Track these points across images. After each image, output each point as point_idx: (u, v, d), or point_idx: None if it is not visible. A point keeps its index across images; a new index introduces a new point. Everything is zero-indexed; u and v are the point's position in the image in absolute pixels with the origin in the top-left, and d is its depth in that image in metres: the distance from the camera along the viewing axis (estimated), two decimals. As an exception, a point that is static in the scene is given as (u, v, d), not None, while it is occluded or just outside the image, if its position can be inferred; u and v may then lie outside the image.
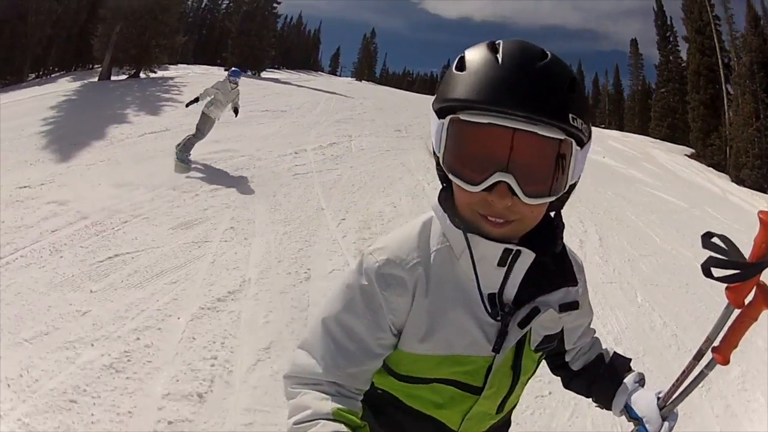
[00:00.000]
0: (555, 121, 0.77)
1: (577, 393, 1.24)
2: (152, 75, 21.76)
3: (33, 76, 30.30)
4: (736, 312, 0.97)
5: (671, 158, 21.69)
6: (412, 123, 13.49)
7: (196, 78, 20.29)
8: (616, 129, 38.53)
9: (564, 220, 0.99)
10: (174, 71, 23.46)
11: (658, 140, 32.12)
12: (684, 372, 1.03)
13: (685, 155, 26.58)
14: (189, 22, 39.02)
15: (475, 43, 0.86)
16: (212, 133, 8.36)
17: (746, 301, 0.94)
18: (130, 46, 21.02)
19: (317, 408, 0.86)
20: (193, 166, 7.26)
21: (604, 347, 1.24)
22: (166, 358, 3.20)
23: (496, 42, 0.83)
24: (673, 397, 1.04)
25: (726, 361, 0.98)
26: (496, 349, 0.94)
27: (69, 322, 3.44)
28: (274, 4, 34.30)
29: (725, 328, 0.99)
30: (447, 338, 0.93)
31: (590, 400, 1.22)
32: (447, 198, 0.92)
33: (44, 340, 3.24)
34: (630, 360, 1.19)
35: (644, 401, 1.07)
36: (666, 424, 1.03)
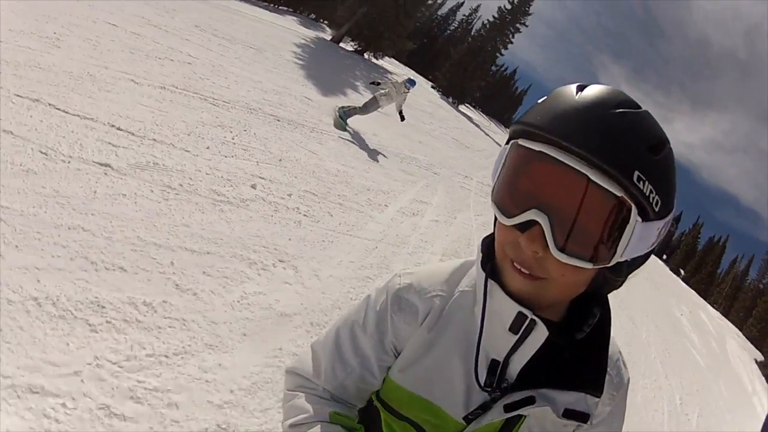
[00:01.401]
0: (614, 170, 0.74)
1: None
2: (374, 60, 27.87)
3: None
4: None
5: (738, 351, 23.51)
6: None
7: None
8: (722, 312, 41.24)
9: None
10: (390, 65, 29.43)
11: (742, 336, 34.45)
12: None
13: (755, 359, 27.80)
14: (416, 26, 46.35)
15: None
16: (418, 136, 13.26)
17: None
18: (366, 29, 26.97)
19: (314, 411, 1.00)
20: (348, 129, 10.25)
21: None
22: (396, 202, 7.41)
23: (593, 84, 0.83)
24: None
25: None
26: (468, 419, 0.95)
27: (343, 176, 7.95)
28: (498, 54, 40.34)
29: None
30: (428, 379, 0.98)
31: None
32: (492, 240, 0.95)
33: (330, 155, 7.75)
34: None
35: None
36: None
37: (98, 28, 8.05)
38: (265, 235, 4.46)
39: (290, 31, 22.26)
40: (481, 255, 0.96)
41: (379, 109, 11.13)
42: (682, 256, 70.91)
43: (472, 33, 49.83)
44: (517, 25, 39.77)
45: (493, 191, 0.89)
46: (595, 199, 0.75)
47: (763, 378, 23.57)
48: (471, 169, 14.30)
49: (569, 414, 0.93)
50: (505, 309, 0.88)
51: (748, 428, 10.64)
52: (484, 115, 52.15)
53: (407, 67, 38.51)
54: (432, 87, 36.56)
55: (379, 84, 11.39)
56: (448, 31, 69.54)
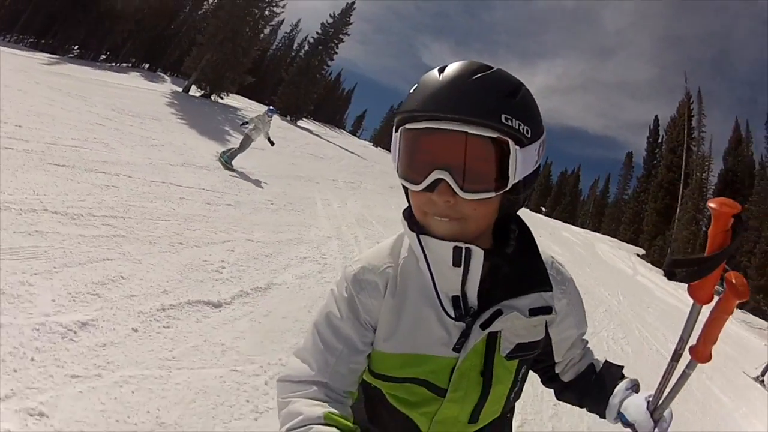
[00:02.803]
0: (485, 120, 0.95)
1: (570, 404, 1.46)
2: (219, 100, 32.07)
3: (104, 56, 41.53)
4: (706, 309, 1.09)
5: (612, 251, 26.32)
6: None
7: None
8: (592, 230, 43.88)
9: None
10: (235, 101, 33.96)
11: (616, 240, 37.67)
12: (665, 374, 1.17)
13: (636, 254, 31.50)
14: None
15: None
16: (289, 159, 18.65)
17: (715, 297, 1.05)
18: (210, 73, 31.21)
19: (308, 413, 1.06)
20: (234, 169, 13.01)
21: (595, 357, 1.44)
22: (318, 201, 12.87)
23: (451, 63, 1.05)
24: (661, 399, 1.19)
25: (707, 359, 1.10)
26: (457, 348, 1.13)
27: (290, 194, 13.67)
28: (325, 66, 45.36)
29: (698, 327, 1.12)
30: (410, 336, 1.15)
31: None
32: (410, 210, 1.15)
33: (274, 186, 13.54)
34: (622, 368, 1.37)
35: (634, 406, 1.25)
36: (657, 427, 1.21)
37: (99, 130, 12.09)
38: (300, 218, 10.36)
39: (149, 90, 26.39)
40: (405, 222, 1.16)
41: (252, 144, 14.03)
42: (538, 196, 74.40)
43: (295, 47, 53.05)
44: (341, 36, 44.66)
45: (398, 171, 1.08)
46: (479, 146, 0.97)
47: (648, 264, 26.76)
48: (335, 173, 20.14)
49: (535, 311, 1.15)
50: (442, 250, 1.06)
51: (638, 298, 14.31)
52: (319, 124, 57.76)
53: (246, 99, 42.74)
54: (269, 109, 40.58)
55: (247, 123, 13.89)
56: (271, 51, 72.77)
